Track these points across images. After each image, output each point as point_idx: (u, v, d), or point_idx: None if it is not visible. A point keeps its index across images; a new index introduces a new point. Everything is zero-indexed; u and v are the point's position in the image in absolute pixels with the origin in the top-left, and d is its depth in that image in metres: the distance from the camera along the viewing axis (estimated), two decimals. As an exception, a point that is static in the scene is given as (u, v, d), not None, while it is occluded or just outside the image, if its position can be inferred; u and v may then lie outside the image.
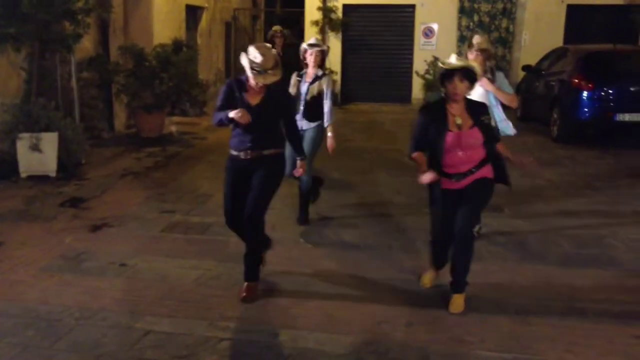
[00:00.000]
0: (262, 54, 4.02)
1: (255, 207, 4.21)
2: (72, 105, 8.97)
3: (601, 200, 6.86)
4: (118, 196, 6.86)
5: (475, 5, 15.19)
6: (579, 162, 8.91)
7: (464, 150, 4.02)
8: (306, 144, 5.81)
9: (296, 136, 4.63)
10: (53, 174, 7.42)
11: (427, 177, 3.98)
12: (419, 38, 15.49)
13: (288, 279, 4.63)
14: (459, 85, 3.95)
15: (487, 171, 4.13)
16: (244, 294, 4.25)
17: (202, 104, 11.71)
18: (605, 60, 10.62)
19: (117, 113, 10.59)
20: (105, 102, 10.26)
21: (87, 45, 9.35)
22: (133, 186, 7.32)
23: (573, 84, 10.11)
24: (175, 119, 11.94)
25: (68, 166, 7.65)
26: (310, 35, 5.98)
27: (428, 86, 14.55)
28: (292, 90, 5.77)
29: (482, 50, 5.26)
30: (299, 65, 5.90)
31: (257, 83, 4.07)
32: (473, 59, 5.02)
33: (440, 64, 4.07)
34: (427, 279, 4.50)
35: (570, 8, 14.88)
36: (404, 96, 15.58)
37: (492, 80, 5.25)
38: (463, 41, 14.68)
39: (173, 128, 11.14)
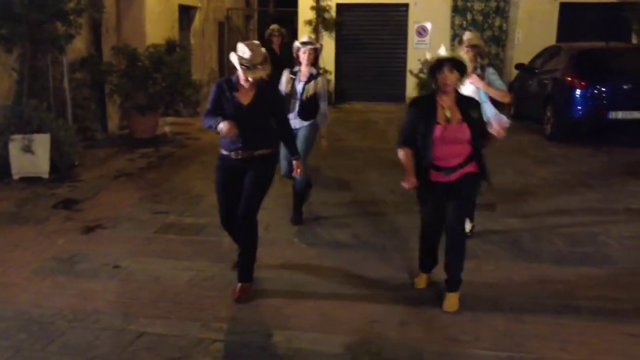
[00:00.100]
0: (251, 50, 4.05)
1: (247, 207, 4.21)
2: (65, 106, 8.93)
3: (594, 198, 6.88)
4: (111, 197, 6.83)
5: (469, 4, 15.23)
6: (572, 160, 8.93)
7: (452, 144, 4.04)
8: (300, 143, 5.80)
9: (289, 135, 4.61)
10: (45, 175, 7.39)
11: (407, 184, 4.08)
12: (412, 37, 15.51)
13: (282, 279, 4.62)
14: (449, 76, 3.98)
15: (473, 166, 4.15)
16: (238, 295, 4.24)
17: (195, 104, 11.68)
18: (598, 58, 10.63)
19: (110, 114, 10.55)
20: (98, 103, 10.22)
21: (79, 45, 9.31)
22: (126, 187, 7.30)
23: (566, 82, 10.13)
24: (169, 119, 11.91)
25: (61, 168, 7.61)
26: (304, 35, 5.97)
27: (422, 85, 14.54)
28: (285, 87, 5.76)
29: (472, 47, 5.27)
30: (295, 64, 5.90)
31: (246, 79, 4.07)
32: (464, 55, 5.03)
33: (428, 57, 4.08)
34: (421, 281, 4.50)
35: (563, 6, 14.91)
36: (398, 95, 15.57)
37: (482, 77, 5.25)
38: (456, 40, 14.70)
39: (166, 129, 11.11)
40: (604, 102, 9.86)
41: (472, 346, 3.67)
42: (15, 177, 7.32)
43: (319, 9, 15.50)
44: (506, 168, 8.23)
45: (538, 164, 8.63)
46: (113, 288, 4.45)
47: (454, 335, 3.79)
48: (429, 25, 15.35)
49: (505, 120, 5.33)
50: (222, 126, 3.99)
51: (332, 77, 15.44)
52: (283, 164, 5.74)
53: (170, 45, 10.97)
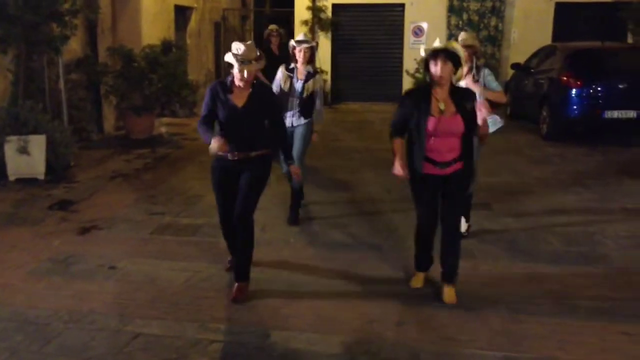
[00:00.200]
0: (245, 46, 4.11)
1: (244, 208, 4.23)
2: (60, 107, 8.90)
3: (590, 198, 6.89)
4: (107, 198, 6.81)
5: (465, 4, 15.24)
6: (568, 159, 8.94)
7: (446, 136, 4.04)
8: (297, 141, 5.83)
9: (284, 139, 4.55)
10: (41, 176, 7.37)
11: (397, 170, 4.15)
12: (408, 37, 15.51)
13: (278, 279, 4.61)
14: (443, 67, 3.98)
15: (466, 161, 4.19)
16: (235, 295, 4.24)
17: (191, 104, 11.66)
18: (593, 57, 10.65)
19: (106, 115, 10.53)
20: (94, 103, 10.20)
21: (74, 46, 9.29)
22: (122, 188, 7.28)
23: (562, 81, 10.15)
24: (165, 120, 11.89)
25: (57, 169, 7.60)
26: (300, 33, 5.97)
27: (418, 85, 14.56)
28: (284, 85, 5.76)
29: (467, 47, 5.27)
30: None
31: (242, 76, 4.08)
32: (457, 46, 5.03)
33: (423, 54, 4.10)
34: (417, 281, 4.50)
35: (559, 6, 14.94)
36: (394, 95, 15.48)
37: (477, 79, 5.25)
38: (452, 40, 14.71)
39: (163, 129, 11.09)
40: (600, 101, 9.89)
41: (469, 346, 3.67)
42: (11, 178, 7.31)
43: (315, 9, 15.50)
44: (502, 168, 8.24)
45: (534, 164, 8.64)
46: (109, 289, 4.44)
47: (451, 335, 3.79)
48: (425, 25, 15.35)
49: (498, 119, 5.35)
50: (212, 145, 4.01)
51: (328, 77, 15.44)
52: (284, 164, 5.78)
53: (166, 46, 10.95)
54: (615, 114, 9.77)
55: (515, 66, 12.44)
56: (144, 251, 5.21)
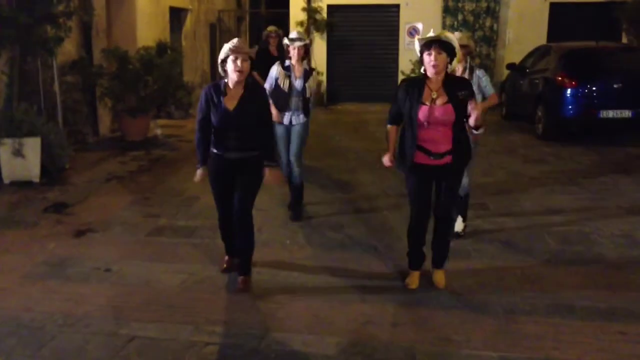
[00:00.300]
0: (238, 41, 4.21)
1: (241, 208, 4.33)
2: (55, 109, 8.87)
3: (586, 197, 6.90)
4: (102, 201, 6.79)
5: (459, 5, 15.25)
6: (563, 158, 8.96)
7: (438, 125, 4.07)
8: (296, 139, 5.87)
9: (269, 139, 4.55)
10: (36, 179, 7.34)
11: (385, 162, 4.34)
12: (403, 38, 15.52)
13: (274, 280, 4.61)
14: (437, 56, 4.02)
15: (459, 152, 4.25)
16: (241, 286, 4.40)
17: (187, 106, 11.64)
18: (588, 57, 10.67)
19: (101, 117, 10.50)
20: (89, 106, 10.16)
21: (69, 48, 9.26)
22: (118, 190, 7.26)
23: (557, 81, 10.16)
24: (160, 122, 11.85)
25: (52, 171, 7.56)
26: (293, 31, 5.96)
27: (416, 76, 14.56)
28: (283, 85, 5.78)
29: (462, 47, 5.27)
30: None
31: (236, 68, 4.10)
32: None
33: (417, 48, 4.13)
34: (412, 281, 4.50)
35: (554, 6, 14.97)
36: (390, 96, 15.51)
37: (470, 78, 5.24)
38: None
39: (158, 131, 11.06)
40: (595, 101, 9.91)
41: (465, 346, 3.67)
42: (6, 181, 7.28)
43: (310, 10, 15.49)
44: (498, 167, 8.25)
45: (529, 163, 8.65)
46: (104, 292, 4.42)
47: (447, 336, 3.79)
48: (420, 26, 15.35)
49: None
50: (197, 176, 4.50)
51: (323, 78, 15.44)
52: (283, 164, 5.81)
53: (161, 48, 10.94)
54: (610, 113, 9.79)
55: (510, 66, 12.47)
56: (139, 253, 5.20)
